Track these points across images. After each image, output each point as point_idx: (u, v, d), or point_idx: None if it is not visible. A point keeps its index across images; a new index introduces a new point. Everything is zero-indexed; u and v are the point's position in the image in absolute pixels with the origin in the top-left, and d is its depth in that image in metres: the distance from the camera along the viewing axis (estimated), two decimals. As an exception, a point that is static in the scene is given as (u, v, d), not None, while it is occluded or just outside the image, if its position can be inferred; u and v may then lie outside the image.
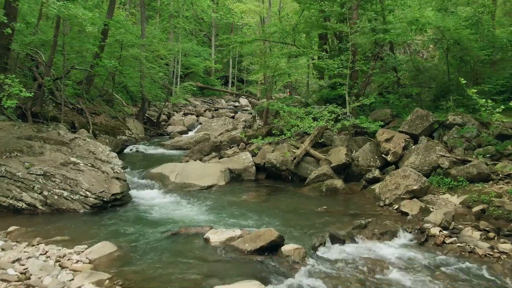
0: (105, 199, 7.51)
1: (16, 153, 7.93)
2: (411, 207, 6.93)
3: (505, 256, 5.23)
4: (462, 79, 8.17)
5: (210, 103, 30.61)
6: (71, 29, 17.91)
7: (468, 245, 5.53)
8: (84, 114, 15.14)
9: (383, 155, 9.59)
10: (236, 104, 31.80)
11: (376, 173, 9.29)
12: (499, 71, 11.18)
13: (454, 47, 11.10)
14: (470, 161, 8.40)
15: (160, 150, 15.50)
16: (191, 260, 5.01)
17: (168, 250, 5.38)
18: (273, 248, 5.19)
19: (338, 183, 8.99)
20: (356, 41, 10.19)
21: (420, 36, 14.71)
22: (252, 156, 11.14)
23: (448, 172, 8.36)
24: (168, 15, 27.93)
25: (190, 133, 21.06)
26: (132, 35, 18.30)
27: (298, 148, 11.55)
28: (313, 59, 11.76)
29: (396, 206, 7.27)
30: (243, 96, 33.96)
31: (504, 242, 5.55)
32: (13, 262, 4.70)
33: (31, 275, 4.44)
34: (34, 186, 7.28)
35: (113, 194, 7.71)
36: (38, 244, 5.36)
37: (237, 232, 5.72)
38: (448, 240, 5.72)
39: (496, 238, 5.77)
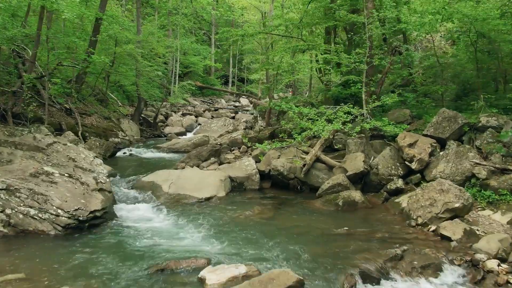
0: (81, 218, 6.11)
1: (-24, 162, 6.56)
2: (454, 229, 5.55)
3: None
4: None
5: (209, 103, 29.22)
6: (64, 25, 16.55)
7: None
8: (73, 114, 13.75)
9: (406, 162, 8.20)
10: (237, 104, 30.43)
11: (399, 183, 7.91)
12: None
13: (481, 40, 9.73)
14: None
15: (155, 154, 14.11)
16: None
17: (151, 296, 4.00)
18: (290, 296, 3.81)
19: (357, 195, 7.60)
20: (373, 33, 8.80)
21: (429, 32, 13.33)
22: (256, 162, 9.75)
23: (487, 183, 6.99)
24: (166, 12, 26.54)
25: (189, 135, 19.68)
26: (127, 31, 16.90)
27: (306, 153, 10.19)
28: (321, 54, 10.36)
29: (433, 228, 5.88)
30: (243, 96, 32.59)
31: None
32: None
33: None
34: (-7, 204, 5.90)
35: (91, 212, 6.30)
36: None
37: (241, 269, 4.33)
38: (512, 279, 4.34)
39: None
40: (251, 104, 30.42)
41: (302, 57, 10.48)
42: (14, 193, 6.06)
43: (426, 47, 16.84)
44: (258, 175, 9.25)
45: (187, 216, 7.05)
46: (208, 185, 8.60)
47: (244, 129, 18.93)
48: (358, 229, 6.09)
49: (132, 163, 12.19)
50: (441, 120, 8.60)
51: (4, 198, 5.96)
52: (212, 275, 4.23)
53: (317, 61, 20.83)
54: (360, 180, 8.46)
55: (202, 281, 4.23)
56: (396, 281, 4.46)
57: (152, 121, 19.91)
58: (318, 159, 9.37)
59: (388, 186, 7.98)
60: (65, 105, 13.71)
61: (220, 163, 10.50)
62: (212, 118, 22.92)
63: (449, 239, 5.44)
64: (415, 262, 4.79)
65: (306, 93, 27.18)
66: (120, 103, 19.95)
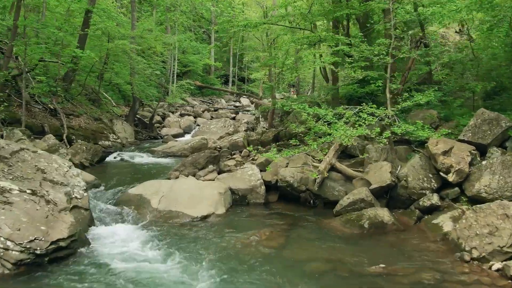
0: (38, 252, 4.62)
1: None
2: (530, 271, 4.07)
3: None
4: None
5: (209, 103, 27.74)
6: (44, 15, 14.99)
7: None
8: (58, 115, 12.26)
9: (441, 174, 6.72)
10: (237, 104, 28.95)
11: (434, 199, 6.44)
12: None
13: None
14: None
15: (149, 158, 12.63)
16: None
17: None
18: None
19: (385, 215, 6.13)
20: (398, 20, 7.31)
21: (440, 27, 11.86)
22: (260, 170, 8.28)
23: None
24: (164, 8, 25.03)
25: (187, 136, 18.21)
26: (120, 26, 15.40)
27: (318, 160, 8.74)
28: (335, 47, 8.87)
29: (498, 266, 4.41)
30: (244, 96, 31.11)
31: None
32: None
33: None
34: None
35: (54, 242, 4.82)
36: None
37: None
38: None
39: None
40: (252, 104, 28.93)
41: (308, 52, 8.97)
42: (-50, 219, 4.59)
43: (440, 43, 15.36)
44: (263, 187, 7.77)
45: (178, 242, 5.58)
46: (205, 200, 7.12)
47: (245, 130, 17.45)
48: (398, 267, 4.61)
49: (122, 170, 10.71)
50: (481, 123, 7.13)
51: None
52: None
53: (320, 56, 19.38)
54: (385, 194, 6.98)
55: None
56: None
57: (148, 122, 18.42)
58: (332, 168, 7.91)
59: (421, 203, 6.51)
60: (49, 105, 12.20)
61: (220, 172, 9.02)
62: (211, 119, 21.45)
63: (525, 285, 3.98)
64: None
65: (307, 93, 25.71)
66: (114, 103, 18.45)
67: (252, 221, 6.62)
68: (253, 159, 11.77)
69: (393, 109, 6.84)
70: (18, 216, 4.87)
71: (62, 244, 4.90)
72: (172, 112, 21.90)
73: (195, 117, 21.32)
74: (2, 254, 4.45)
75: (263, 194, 7.69)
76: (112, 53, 16.18)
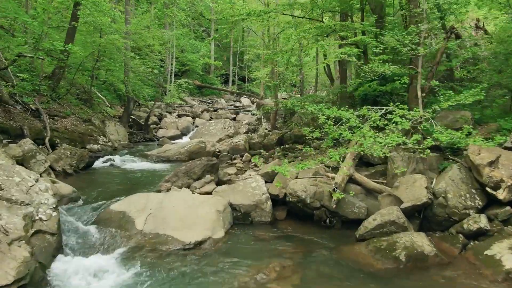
0: (-34, 309, 3.32)
1: None
2: None
3: None
4: None
5: (208, 102, 26.39)
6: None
7: None
8: (41, 117, 10.92)
9: (487, 189, 5.40)
10: (237, 104, 27.60)
11: (483, 221, 5.13)
12: None
13: None
14: None
15: (141, 164, 11.30)
16: None
17: None
18: None
19: (425, 243, 4.81)
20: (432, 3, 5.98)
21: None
22: (266, 181, 6.96)
23: None
24: (162, 5, 23.64)
25: (185, 139, 16.87)
26: (115, 22, 14.05)
27: (332, 168, 7.46)
28: (353, 37, 7.57)
29: None
30: (244, 96, 29.82)
31: None
32: None
33: None
34: None
35: (-8, 291, 3.51)
36: None
37: None
38: None
39: None
40: (252, 104, 27.60)
41: (325, 43, 7.65)
42: None
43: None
44: (269, 202, 6.45)
45: (163, 280, 4.26)
46: (200, 220, 5.80)
47: (246, 132, 16.14)
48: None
49: (109, 178, 9.38)
50: (533, 127, 5.81)
51: None
52: None
53: (324, 56, 18.04)
54: (418, 213, 5.66)
55: None
56: None
57: (143, 123, 17.09)
58: (351, 179, 6.60)
59: (465, 226, 5.19)
60: (31, 105, 10.86)
61: (218, 182, 7.69)
62: (210, 120, 20.11)
63: None
64: None
65: (309, 92, 24.35)
66: (107, 103, 17.11)
67: (258, 249, 5.29)
68: (255, 165, 10.47)
69: (429, 110, 5.50)
70: None
71: (4, 293, 3.59)
72: (170, 113, 20.56)
73: (193, 118, 19.98)
74: None
75: (269, 211, 6.36)
76: (104, 50, 14.86)
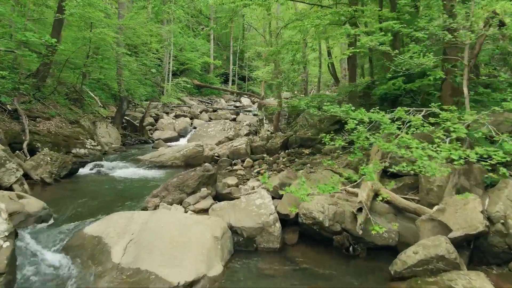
0: None
1: None
2: None
3: None
4: None
5: (208, 102, 25.12)
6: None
7: None
8: (21, 118, 9.64)
9: (558, 213, 4.15)
10: (238, 104, 26.33)
11: (558, 257, 3.88)
12: None
13: None
14: None
15: (132, 170, 10.04)
16: None
17: None
18: None
19: (490, 290, 3.56)
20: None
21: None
22: (273, 197, 5.70)
23: None
24: (160, 2, 22.33)
25: (182, 141, 15.62)
26: (102, 12, 12.75)
27: (348, 178, 6.23)
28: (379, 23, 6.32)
29: None
30: (245, 95, 28.57)
31: None
32: None
33: None
34: None
35: None
36: None
37: None
38: None
39: None
40: (253, 104, 26.34)
41: (345, 29, 6.42)
42: None
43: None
44: (278, 225, 5.19)
45: None
46: (193, 248, 4.54)
47: (247, 134, 14.88)
48: None
49: (93, 188, 8.12)
50: None
51: None
52: None
53: (329, 53, 16.78)
54: (468, 242, 4.41)
55: None
56: None
57: (138, 124, 15.82)
58: (376, 195, 5.35)
59: (534, 262, 3.94)
60: (8, 105, 9.59)
61: (216, 195, 6.43)
62: (210, 121, 18.84)
63: None
64: None
65: (311, 92, 23.08)
66: (100, 103, 15.85)
67: (265, 290, 4.04)
68: (259, 172, 9.23)
69: (485, 112, 4.25)
70: None
71: None
72: (167, 113, 19.27)
73: (191, 119, 18.70)
74: None
75: (278, 235, 5.10)
76: (95, 45, 13.60)
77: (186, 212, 5.76)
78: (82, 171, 9.73)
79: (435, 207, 4.53)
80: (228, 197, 6.41)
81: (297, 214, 5.31)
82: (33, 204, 5.91)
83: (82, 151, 10.47)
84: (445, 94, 5.93)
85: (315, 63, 19.82)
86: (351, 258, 4.84)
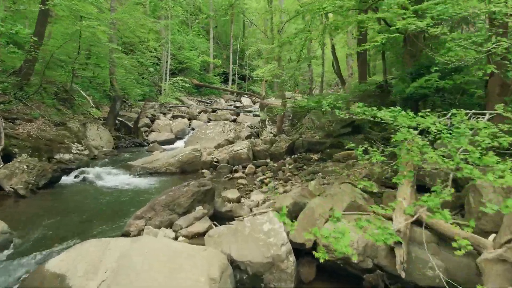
0: None
1: None
2: None
3: None
4: None
5: (207, 102, 23.92)
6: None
7: None
8: (-4, 120, 8.47)
9: None
10: (238, 104, 25.16)
11: None
12: None
13: None
14: None
15: (122, 178, 8.88)
16: None
17: None
18: None
19: None
20: None
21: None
22: (283, 222, 4.53)
23: None
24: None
25: (179, 143, 14.46)
26: (93, 6, 11.59)
27: (367, 192, 5.16)
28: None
29: None
30: (245, 95, 27.40)
31: None
32: None
33: None
34: None
35: None
36: None
37: None
38: None
39: None
40: (253, 104, 25.18)
41: (370, 15, 5.32)
42: None
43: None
44: (292, 258, 4.02)
45: None
46: (183, 295, 3.38)
47: (249, 137, 13.71)
48: None
49: (73, 202, 6.94)
50: None
51: None
52: None
53: (332, 52, 15.61)
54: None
55: None
56: None
57: (132, 126, 14.63)
58: (417, 222, 4.19)
59: None
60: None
61: (214, 214, 5.27)
62: (209, 121, 17.67)
63: None
64: None
65: (313, 92, 21.89)
66: (92, 103, 14.66)
67: None
68: (262, 181, 8.07)
69: None
70: None
71: None
72: (164, 114, 18.08)
73: (189, 120, 17.51)
74: None
75: (292, 272, 3.94)
76: (85, 41, 12.43)
77: (176, 237, 4.59)
78: (66, 179, 8.58)
79: (503, 239, 3.37)
80: (228, 216, 5.25)
81: (314, 243, 4.16)
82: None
83: (67, 156, 9.29)
84: (492, 92, 4.79)
85: (317, 62, 18.68)
86: (388, 304, 3.69)
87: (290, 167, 8.48)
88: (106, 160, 10.78)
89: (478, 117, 3.32)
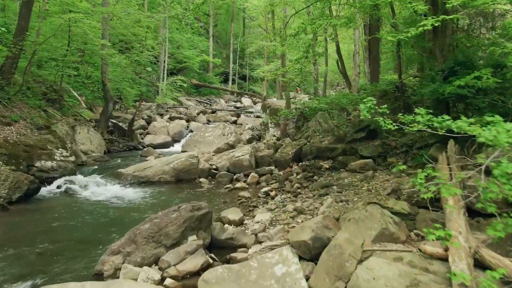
0: None
1: None
2: None
3: None
4: None
5: (206, 103, 22.82)
6: None
7: None
8: (-33, 124, 7.38)
9: None
10: (238, 104, 24.09)
11: None
12: None
13: None
14: None
15: (109, 189, 7.79)
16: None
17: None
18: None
19: None
20: None
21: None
22: (300, 257, 3.45)
23: None
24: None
25: (177, 146, 13.38)
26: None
27: (397, 213, 4.11)
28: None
29: None
30: (246, 95, 26.33)
31: None
32: None
33: None
34: None
35: None
36: None
37: None
38: None
39: None
40: (254, 104, 24.11)
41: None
42: None
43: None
44: (316, 317, 2.95)
45: None
46: None
47: (250, 140, 12.62)
48: None
49: (48, 220, 5.83)
50: None
51: None
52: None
53: (337, 49, 14.52)
54: None
55: None
56: None
57: (127, 128, 13.53)
58: (476, 260, 3.12)
59: None
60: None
61: (211, 243, 4.18)
62: (208, 123, 16.58)
63: None
64: None
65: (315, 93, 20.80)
66: (84, 104, 13.58)
67: None
68: (267, 194, 6.99)
69: None
70: None
71: None
72: (161, 115, 16.97)
73: (187, 121, 16.39)
74: None
75: (316, 337, 2.86)
76: (75, 38, 11.34)
77: (163, 279, 3.51)
78: (47, 190, 7.54)
79: None
80: (229, 244, 4.18)
81: (343, 293, 3.08)
82: None
83: (49, 164, 8.19)
84: None
85: (320, 61, 17.58)
86: None
87: (298, 176, 7.40)
88: (96, 166, 9.70)
89: None
